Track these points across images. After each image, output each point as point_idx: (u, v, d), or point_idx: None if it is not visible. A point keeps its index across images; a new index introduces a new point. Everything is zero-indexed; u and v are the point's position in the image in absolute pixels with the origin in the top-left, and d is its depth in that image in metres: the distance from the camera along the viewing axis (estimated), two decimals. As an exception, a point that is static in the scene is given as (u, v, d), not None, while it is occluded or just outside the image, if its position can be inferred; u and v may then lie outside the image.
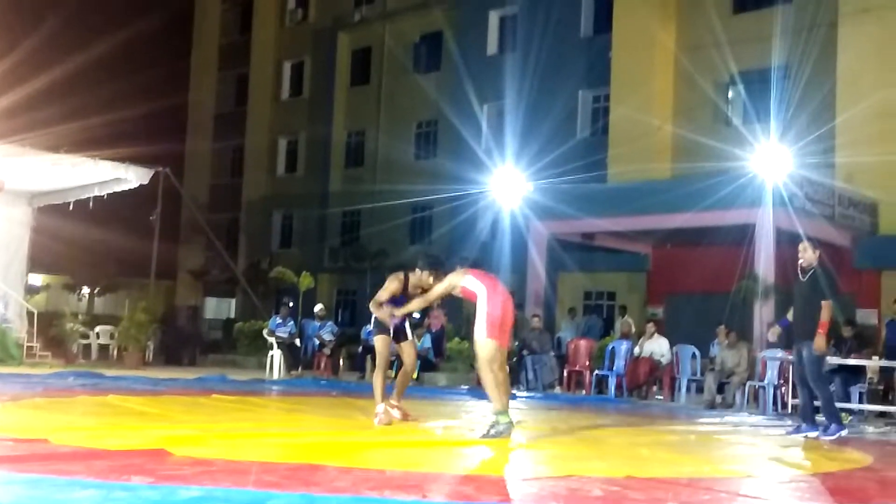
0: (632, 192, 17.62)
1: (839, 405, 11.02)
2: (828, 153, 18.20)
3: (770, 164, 15.04)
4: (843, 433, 7.90)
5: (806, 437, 7.83)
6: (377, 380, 7.36)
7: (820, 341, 7.75)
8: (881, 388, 11.44)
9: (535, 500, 3.84)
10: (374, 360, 15.51)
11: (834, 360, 11.25)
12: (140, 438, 5.42)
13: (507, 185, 18.50)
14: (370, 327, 16.14)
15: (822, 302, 7.83)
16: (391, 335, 7.46)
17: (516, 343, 15.21)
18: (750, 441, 7.96)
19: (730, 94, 22.01)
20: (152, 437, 5.43)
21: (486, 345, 6.59)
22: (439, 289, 6.97)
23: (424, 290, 7.19)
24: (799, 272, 8.12)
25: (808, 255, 8.05)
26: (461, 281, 6.84)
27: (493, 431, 6.36)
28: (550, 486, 4.30)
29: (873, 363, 11.23)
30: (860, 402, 11.15)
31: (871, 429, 9.54)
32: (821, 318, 7.78)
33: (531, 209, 17.94)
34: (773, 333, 8.33)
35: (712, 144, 19.17)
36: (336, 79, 33.00)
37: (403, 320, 7.57)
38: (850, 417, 10.53)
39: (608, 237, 19.03)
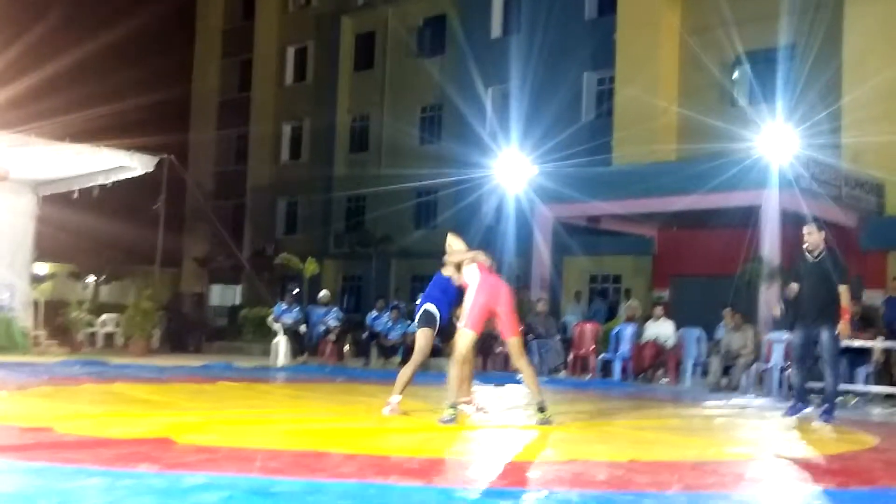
0: (637, 175, 17.56)
1: (846, 387, 11.02)
2: (834, 133, 18.10)
3: (776, 145, 14.96)
4: (806, 411, 8.00)
5: (803, 415, 7.86)
6: (407, 372, 7.10)
7: (845, 327, 7.72)
8: (886, 368, 11.40)
9: (541, 484, 3.83)
10: (379, 346, 15.64)
11: (841, 343, 11.22)
12: (146, 426, 5.43)
13: (512, 168, 18.44)
14: (375, 313, 16.26)
15: (840, 287, 7.73)
16: (436, 331, 7.15)
17: (521, 327, 15.20)
18: (755, 423, 7.96)
19: (735, 75, 21.87)
20: (158, 425, 5.44)
21: (464, 336, 6.64)
22: (458, 255, 6.99)
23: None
24: (806, 253, 7.99)
25: (812, 238, 7.92)
26: (470, 266, 6.86)
27: (445, 418, 6.34)
28: (555, 469, 4.30)
29: (879, 344, 11.19)
30: (866, 383, 11.11)
31: (877, 410, 9.52)
32: (841, 302, 7.70)
33: (536, 193, 17.89)
34: (777, 309, 8.38)
35: (718, 126, 19.07)
36: (340, 63, 32.89)
37: (449, 317, 7.27)
38: (855, 399, 10.53)
39: (613, 220, 18.97)
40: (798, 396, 8.10)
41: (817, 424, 7.49)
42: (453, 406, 6.47)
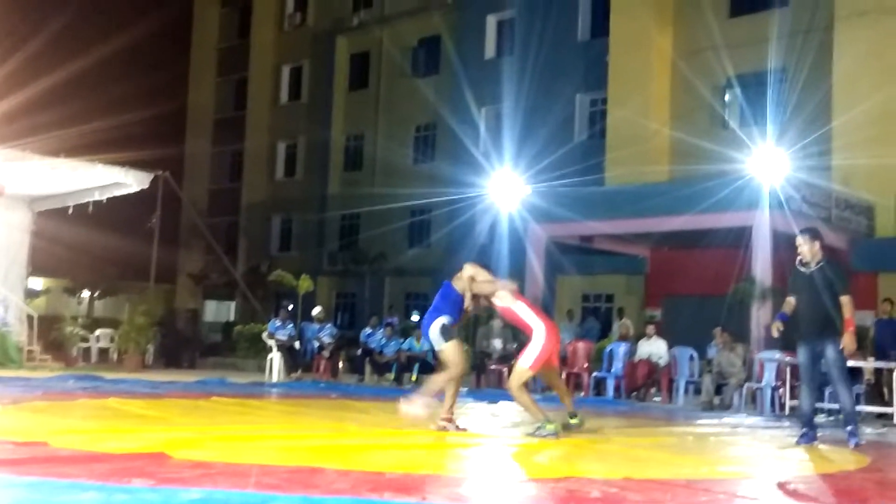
0: (629, 195, 17.67)
1: (836, 406, 11.06)
2: (824, 156, 18.25)
3: (767, 167, 15.09)
4: (814, 444, 7.29)
5: (815, 445, 7.21)
6: (441, 381, 7.14)
7: (850, 340, 7.14)
8: (877, 388, 11.47)
9: (535, 502, 3.86)
10: (373, 363, 15.64)
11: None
12: (140, 441, 5.43)
13: (506, 188, 18.53)
14: (369, 330, 16.26)
15: (842, 298, 7.20)
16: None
17: (515, 345, 15.24)
18: (748, 442, 7.98)
19: (727, 98, 22.06)
20: (152, 440, 5.45)
21: (524, 374, 7.14)
22: (488, 286, 7.16)
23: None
24: (799, 266, 7.49)
25: (805, 249, 7.43)
26: (514, 304, 7.22)
27: (540, 432, 6.73)
28: (549, 487, 4.33)
29: (869, 364, 11.26)
30: (857, 403, 11.16)
31: (868, 430, 9.56)
32: (845, 315, 7.16)
33: (529, 212, 17.97)
34: (776, 329, 7.55)
35: (710, 147, 19.23)
36: (335, 83, 33.05)
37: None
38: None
39: (606, 240, 19.06)
40: (808, 423, 7.46)
41: (824, 447, 7.29)
42: (544, 422, 6.82)
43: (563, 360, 15.07)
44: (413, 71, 30.51)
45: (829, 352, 7.26)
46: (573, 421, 7.39)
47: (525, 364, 7.09)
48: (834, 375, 7.32)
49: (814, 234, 7.57)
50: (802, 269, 7.48)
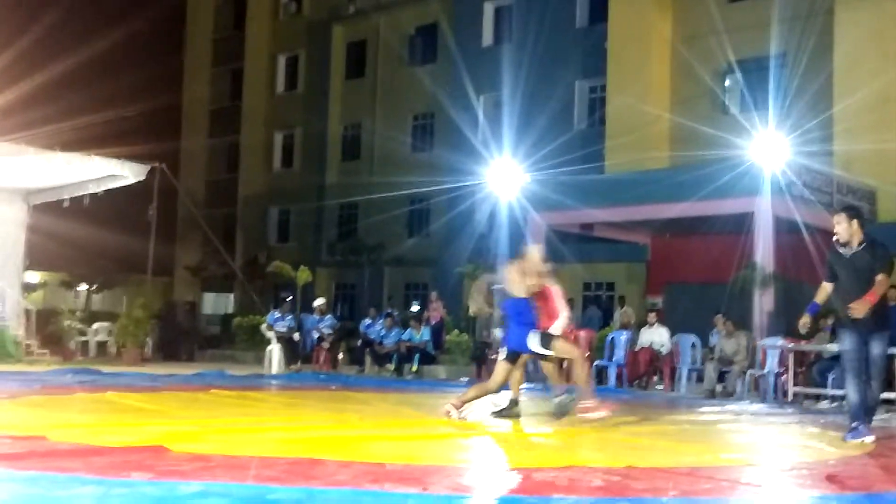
0: (630, 182, 17.60)
1: (840, 392, 11.03)
2: (826, 141, 18.19)
3: (768, 153, 15.02)
4: (868, 440, 6.51)
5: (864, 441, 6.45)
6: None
7: (861, 306, 6.47)
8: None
9: (537, 491, 3.82)
10: (373, 354, 15.60)
11: (833, 348, 11.25)
12: (139, 435, 5.40)
13: (505, 176, 18.46)
14: (369, 321, 16.24)
15: (878, 277, 6.55)
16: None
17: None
18: (751, 429, 7.95)
19: (727, 83, 21.97)
20: (151, 434, 5.41)
21: (556, 336, 7.37)
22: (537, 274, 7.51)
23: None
24: (838, 247, 6.82)
25: (841, 229, 6.73)
26: (555, 285, 7.67)
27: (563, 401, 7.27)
28: (551, 476, 4.28)
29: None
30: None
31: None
32: (875, 290, 6.51)
33: (529, 201, 17.90)
34: (804, 325, 6.91)
35: (710, 133, 19.15)
36: (331, 72, 32.93)
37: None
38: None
39: (607, 228, 19.01)
40: (858, 416, 6.65)
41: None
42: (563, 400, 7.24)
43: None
44: (410, 59, 30.40)
45: (876, 350, 6.70)
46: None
47: (555, 331, 7.41)
48: (873, 371, 6.76)
49: (851, 212, 6.93)
50: (842, 252, 6.81)
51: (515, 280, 7.32)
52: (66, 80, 25.26)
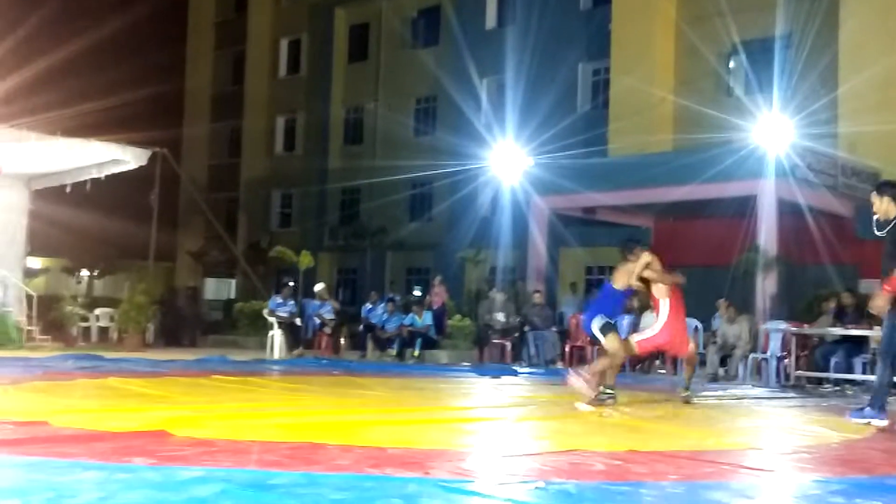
0: (633, 165, 17.54)
1: (842, 376, 11.03)
2: (831, 123, 18.09)
3: (772, 135, 14.95)
4: (878, 422, 6.34)
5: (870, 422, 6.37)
6: (603, 364, 7.57)
7: (879, 299, 6.33)
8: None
9: (538, 475, 3.81)
10: (375, 338, 15.62)
11: (836, 332, 11.24)
12: (141, 420, 5.39)
13: (508, 160, 18.41)
14: (370, 305, 16.26)
15: None
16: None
17: (518, 319, 15.21)
18: (753, 413, 7.94)
19: (731, 65, 21.84)
20: (153, 419, 5.40)
21: (627, 347, 7.71)
22: (660, 276, 7.73)
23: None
24: (875, 227, 6.57)
25: (876, 207, 6.43)
26: (664, 299, 7.80)
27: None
28: (552, 460, 4.27)
29: (876, 333, 11.19)
30: (863, 372, 11.13)
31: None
32: (891, 278, 6.26)
33: (532, 184, 17.86)
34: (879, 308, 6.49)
35: (714, 115, 19.06)
36: (334, 55, 32.79)
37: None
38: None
39: (609, 211, 18.95)
40: (877, 398, 6.49)
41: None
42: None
43: (567, 333, 15.04)
44: (413, 42, 30.26)
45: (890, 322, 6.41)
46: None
47: (634, 338, 7.89)
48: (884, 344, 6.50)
49: (883, 188, 6.56)
50: (878, 233, 6.60)
51: (621, 275, 7.68)
52: (67, 66, 25.18)
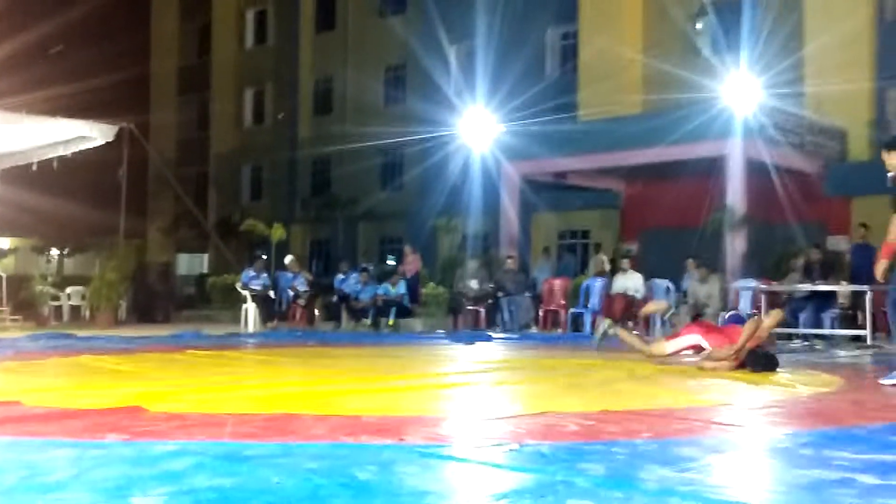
0: (603, 129, 17.59)
1: (811, 331, 11.21)
2: (797, 82, 18.21)
3: (740, 95, 15.03)
4: None
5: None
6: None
7: (878, 267, 6.17)
8: (850, 312, 11.61)
9: (511, 438, 3.85)
10: (349, 309, 15.62)
11: (805, 288, 11.40)
12: (115, 396, 5.35)
13: (478, 127, 18.36)
14: (346, 279, 16.23)
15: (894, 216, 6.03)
16: None
17: (491, 285, 15.27)
18: (725, 371, 8.02)
19: (699, 25, 21.86)
20: (126, 395, 5.37)
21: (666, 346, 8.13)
22: None
23: None
24: (888, 182, 6.30)
25: (893, 162, 6.16)
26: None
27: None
28: (526, 423, 4.31)
29: (844, 288, 11.37)
30: (832, 327, 11.32)
31: (842, 353, 9.69)
32: (889, 235, 6.05)
33: (502, 151, 17.85)
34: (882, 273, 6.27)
35: (683, 76, 19.11)
36: (301, 25, 32.40)
37: None
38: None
39: (580, 176, 19.02)
40: None
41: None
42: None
43: (540, 298, 15.13)
44: (381, 10, 29.96)
45: None
46: None
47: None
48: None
49: (892, 144, 6.31)
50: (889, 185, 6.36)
51: None
52: (30, 38, 24.67)
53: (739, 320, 7.82)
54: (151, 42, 37.76)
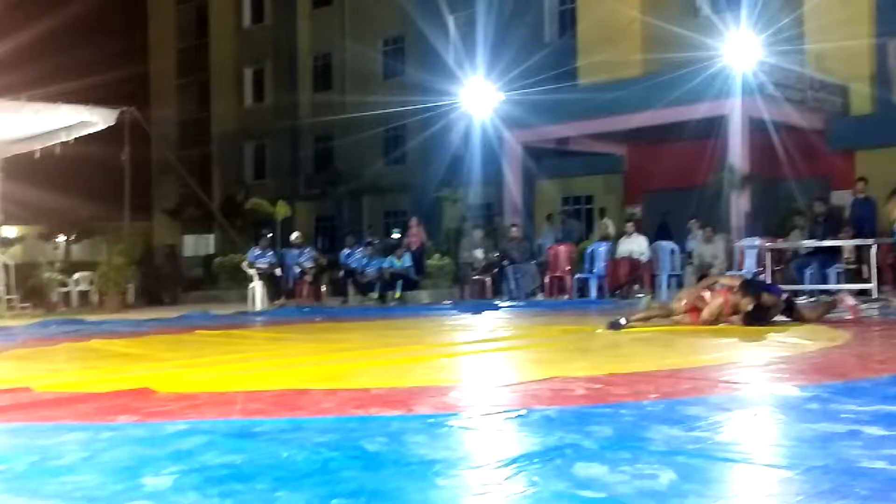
0: (603, 93, 17.47)
1: (817, 287, 11.20)
2: (798, 39, 18.05)
3: (740, 53, 14.90)
4: None
5: None
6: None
7: (888, 207, 6.06)
8: (854, 266, 11.59)
9: (519, 404, 3.87)
10: (356, 283, 15.65)
11: (810, 244, 11.38)
12: (124, 379, 5.38)
13: (479, 96, 18.27)
14: (352, 253, 16.24)
15: None
16: None
17: (496, 254, 15.28)
18: (732, 330, 8.04)
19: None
20: (136, 377, 5.40)
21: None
22: None
23: None
24: None
25: None
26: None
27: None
28: (534, 388, 4.33)
29: (848, 243, 11.34)
30: (837, 282, 11.30)
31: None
32: None
33: (504, 119, 17.77)
34: None
35: (683, 35, 18.94)
36: (298, 1, 32.17)
37: None
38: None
39: (582, 141, 18.94)
40: None
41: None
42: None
43: (546, 265, 15.13)
44: (377, -19, 29.70)
45: None
46: None
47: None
48: None
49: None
50: None
51: None
52: (33, 23, 24.57)
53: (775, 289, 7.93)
54: (149, 27, 37.59)
